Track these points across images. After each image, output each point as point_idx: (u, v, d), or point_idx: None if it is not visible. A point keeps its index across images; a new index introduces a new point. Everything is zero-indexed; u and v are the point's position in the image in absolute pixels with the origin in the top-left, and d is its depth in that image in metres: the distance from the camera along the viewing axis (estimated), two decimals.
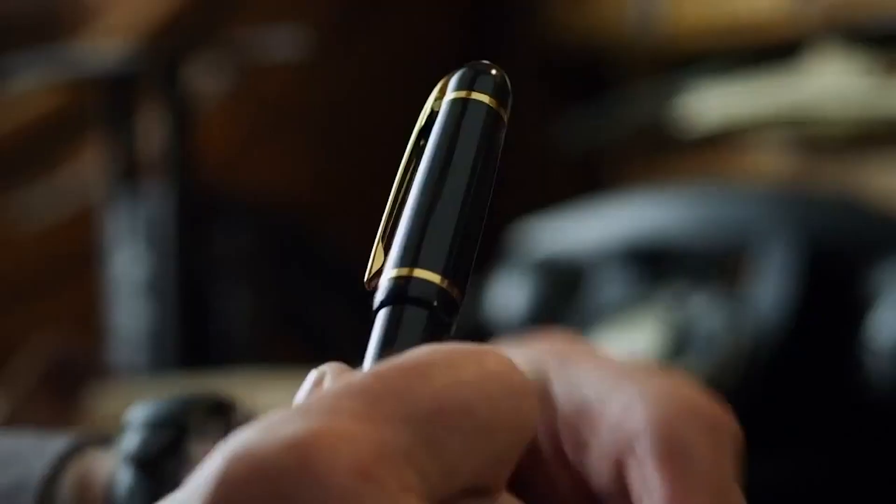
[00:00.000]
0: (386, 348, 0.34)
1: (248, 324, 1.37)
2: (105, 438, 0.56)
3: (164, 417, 0.54)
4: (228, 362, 1.25)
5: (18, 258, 1.54)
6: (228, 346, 1.33)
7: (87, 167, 1.47)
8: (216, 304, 1.32)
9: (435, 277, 0.35)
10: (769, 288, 0.92)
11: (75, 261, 1.49)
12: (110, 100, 1.28)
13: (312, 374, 0.34)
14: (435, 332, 0.35)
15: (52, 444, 0.54)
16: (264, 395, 0.83)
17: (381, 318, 0.35)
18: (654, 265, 1.00)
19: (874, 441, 0.90)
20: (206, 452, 0.49)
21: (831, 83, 1.20)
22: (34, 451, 0.54)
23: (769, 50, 1.32)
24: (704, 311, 0.96)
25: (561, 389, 0.45)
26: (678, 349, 0.96)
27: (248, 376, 1.04)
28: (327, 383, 0.34)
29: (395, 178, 0.40)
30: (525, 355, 0.46)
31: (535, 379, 0.45)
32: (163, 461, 0.53)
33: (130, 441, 0.53)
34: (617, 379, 0.44)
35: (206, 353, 1.28)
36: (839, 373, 0.89)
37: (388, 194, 0.40)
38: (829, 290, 0.91)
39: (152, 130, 1.29)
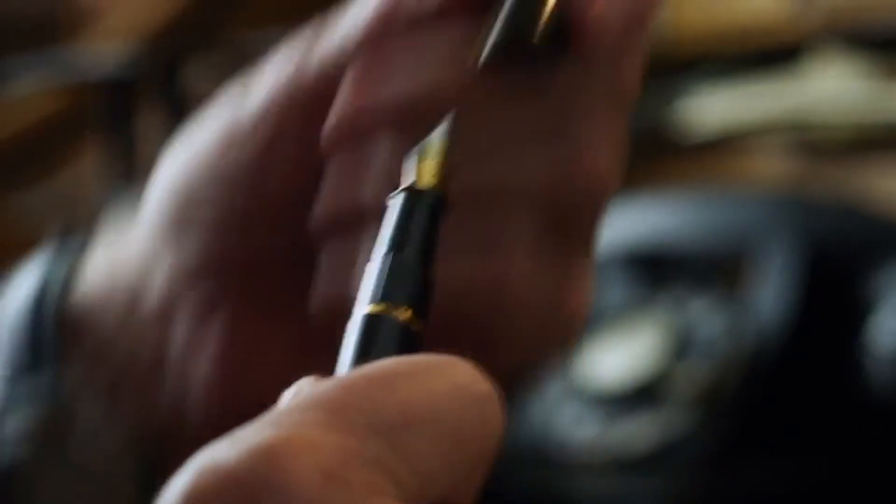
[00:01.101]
0: (359, 359, 0.35)
1: None
2: None
3: None
4: None
5: (18, 262, 1.53)
6: None
7: (87, 171, 1.47)
8: None
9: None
10: (770, 292, 0.92)
11: None
12: (110, 103, 1.28)
13: (289, 393, 0.34)
14: (406, 342, 0.36)
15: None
16: None
17: (352, 329, 0.36)
18: (654, 269, 1.00)
19: (874, 443, 0.90)
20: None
21: (832, 87, 1.20)
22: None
23: (770, 54, 1.32)
24: (705, 315, 0.96)
25: None
26: (679, 353, 0.96)
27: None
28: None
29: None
30: None
31: None
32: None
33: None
34: None
35: None
36: (839, 376, 0.89)
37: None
38: (830, 294, 0.91)
39: (152, 134, 1.29)
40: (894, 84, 1.18)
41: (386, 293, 0.36)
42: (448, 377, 0.32)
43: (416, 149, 0.39)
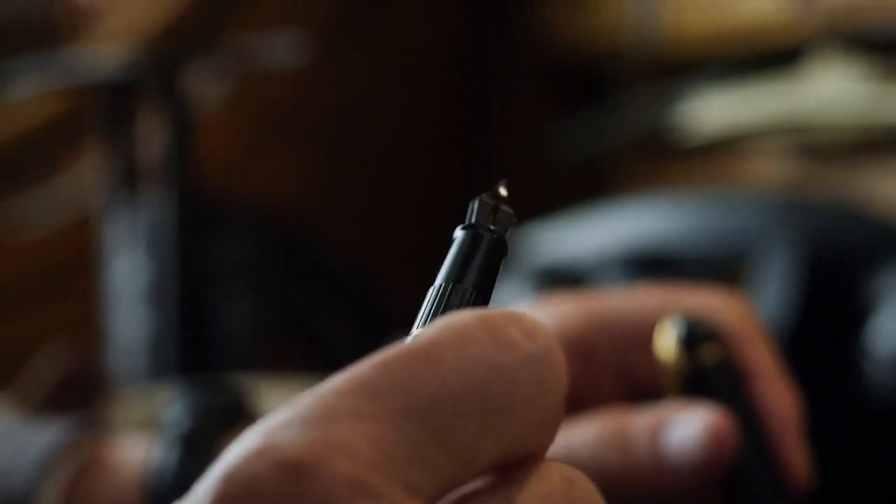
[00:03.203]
0: None
1: (247, 331, 1.37)
2: (97, 429, 0.57)
3: (210, 406, 0.56)
4: (228, 369, 1.25)
5: (18, 265, 1.54)
6: (228, 353, 1.33)
7: (87, 174, 1.47)
8: (216, 311, 1.32)
9: None
10: (769, 295, 0.92)
11: (75, 268, 1.49)
12: (110, 106, 1.28)
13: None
14: None
15: (46, 432, 0.55)
16: (263, 402, 0.83)
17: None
18: (654, 272, 1.00)
19: (875, 448, 0.90)
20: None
21: (831, 90, 1.20)
22: (28, 434, 0.55)
23: (770, 56, 1.32)
24: None
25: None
26: None
27: (248, 383, 1.04)
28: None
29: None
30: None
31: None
32: (212, 444, 0.55)
33: (181, 424, 0.55)
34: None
35: (205, 361, 1.27)
36: (840, 380, 0.89)
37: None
38: (830, 297, 0.91)
39: (152, 137, 1.29)
40: (893, 86, 1.18)
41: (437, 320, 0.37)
42: (496, 339, 0.31)
43: (486, 193, 0.40)
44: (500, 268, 0.39)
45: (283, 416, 0.29)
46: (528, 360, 0.31)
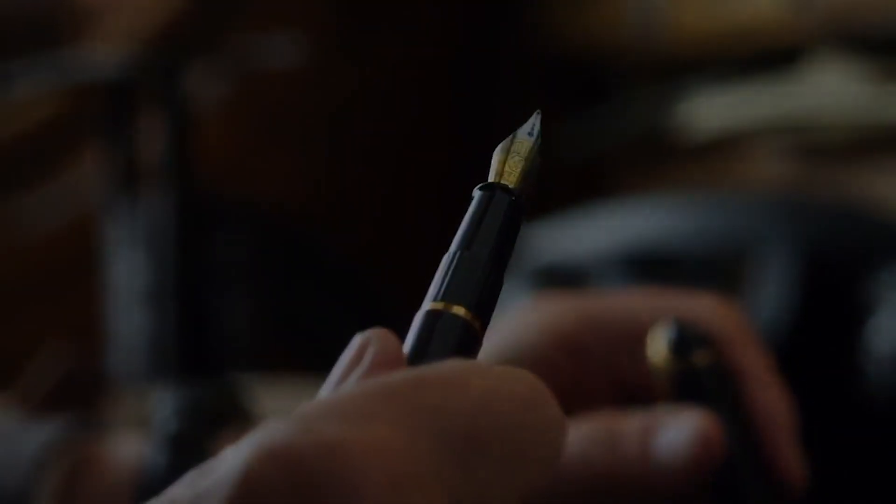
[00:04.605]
0: (417, 354, 0.35)
1: (247, 330, 1.37)
2: (91, 428, 0.57)
3: (199, 406, 0.56)
4: (228, 369, 1.25)
5: (18, 265, 1.54)
6: (228, 353, 1.33)
7: (87, 174, 1.47)
8: (215, 310, 1.32)
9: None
10: (769, 294, 0.92)
11: (75, 268, 1.49)
12: (110, 106, 1.28)
13: (357, 339, 0.34)
14: (464, 340, 0.36)
15: (41, 431, 0.55)
16: (263, 401, 0.83)
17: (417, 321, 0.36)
18: (653, 272, 1.00)
19: (874, 447, 0.90)
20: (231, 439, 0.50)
21: (830, 90, 1.20)
22: (23, 433, 0.55)
23: (769, 57, 1.32)
24: None
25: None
26: None
27: (247, 383, 1.04)
28: (368, 357, 0.34)
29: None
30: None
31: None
32: (202, 444, 0.55)
33: (168, 425, 0.55)
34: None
35: (205, 360, 1.28)
36: (839, 379, 0.89)
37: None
38: (829, 297, 0.91)
39: (152, 137, 1.29)
40: (892, 86, 1.19)
41: (449, 291, 0.36)
42: (517, 393, 0.32)
43: (503, 144, 0.38)
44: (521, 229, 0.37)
45: (317, 409, 0.30)
46: (543, 424, 0.33)
